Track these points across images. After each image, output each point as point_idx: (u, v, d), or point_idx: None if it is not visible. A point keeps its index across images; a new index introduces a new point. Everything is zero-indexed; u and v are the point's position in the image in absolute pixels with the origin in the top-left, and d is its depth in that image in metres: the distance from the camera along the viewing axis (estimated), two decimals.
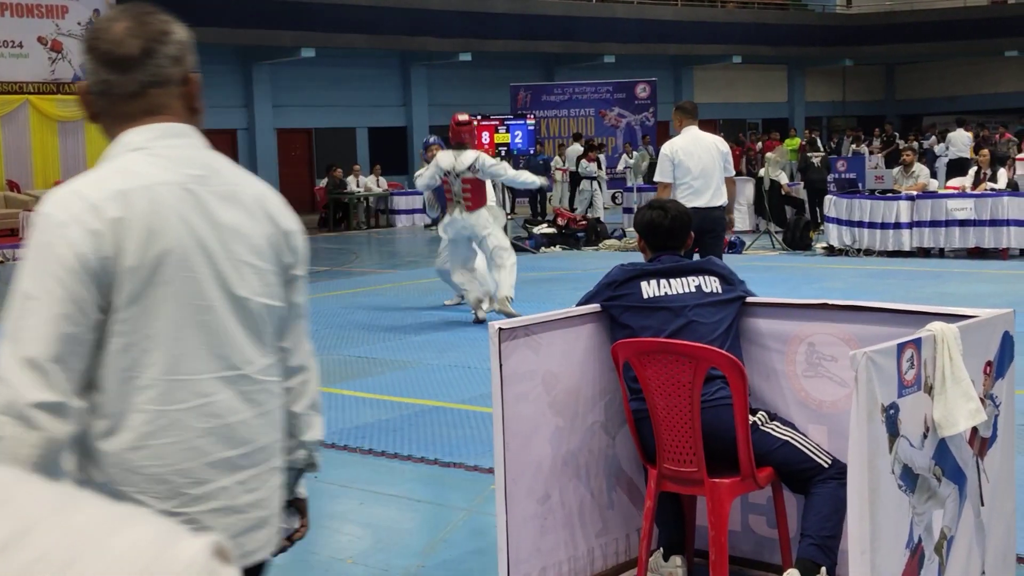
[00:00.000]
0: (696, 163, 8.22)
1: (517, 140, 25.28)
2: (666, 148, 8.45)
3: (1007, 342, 3.43)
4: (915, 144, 24.57)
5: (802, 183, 17.64)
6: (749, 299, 3.90)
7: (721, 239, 8.62)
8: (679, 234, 3.97)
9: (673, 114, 8.74)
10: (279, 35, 25.30)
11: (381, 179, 23.58)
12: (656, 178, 8.55)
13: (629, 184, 20.13)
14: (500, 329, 3.53)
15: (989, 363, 3.34)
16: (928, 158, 22.85)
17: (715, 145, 8.42)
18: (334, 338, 9.25)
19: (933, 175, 17.48)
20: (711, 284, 3.84)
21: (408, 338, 9.10)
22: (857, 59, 37.75)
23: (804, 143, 18.76)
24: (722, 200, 8.35)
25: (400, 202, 23.43)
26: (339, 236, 21.27)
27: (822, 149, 22.86)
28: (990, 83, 38.23)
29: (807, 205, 16.97)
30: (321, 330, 9.67)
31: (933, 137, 27.92)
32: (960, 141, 23.19)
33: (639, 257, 4.10)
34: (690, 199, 8.06)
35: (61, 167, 21.13)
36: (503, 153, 22.47)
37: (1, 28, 20.56)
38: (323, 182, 23.67)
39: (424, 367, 7.90)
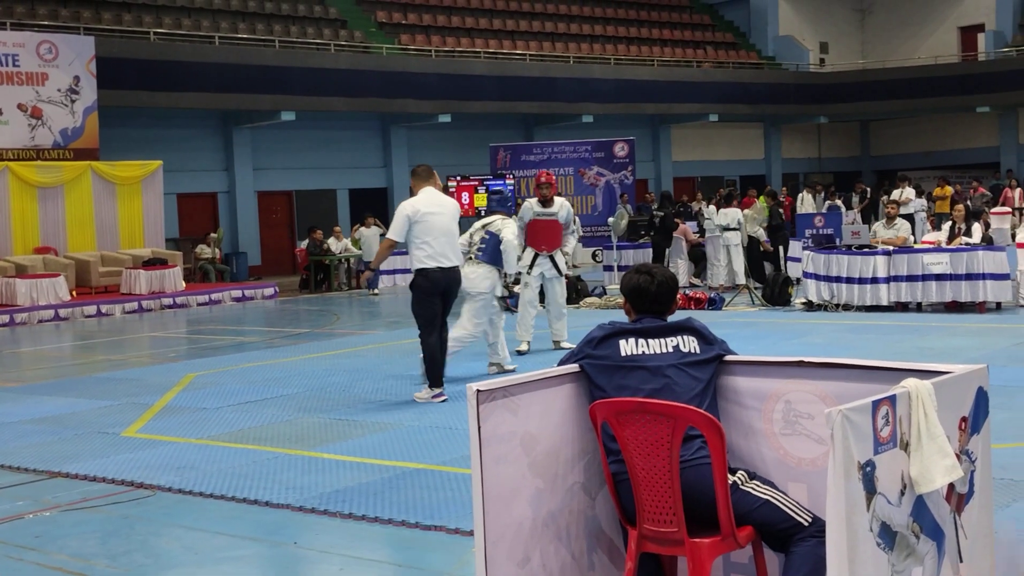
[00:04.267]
0: (438, 224, 8.68)
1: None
2: (406, 207, 8.80)
3: (981, 398, 3.45)
4: (902, 196, 24.96)
5: (769, 239, 17.65)
6: (727, 357, 3.91)
7: (454, 299, 9.12)
8: (664, 299, 3.98)
9: (411, 179, 9.17)
10: (259, 99, 25.48)
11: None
12: (389, 235, 8.93)
13: (610, 241, 20.26)
14: (478, 391, 3.53)
15: (964, 419, 3.36)
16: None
17: (455, 207, 8.98)
18: (313, 400, 9.21)
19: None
20: (689, 344, 3.86)
21: (388, 400, 9.07)
22: (832, 116, 38.25)
23: (767, 198, 18.89)
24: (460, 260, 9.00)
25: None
26: (320, 298, 21.25)
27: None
28: (963, 138, 38.76)
29: (782, 258, 17.06)
30: (300, 392, 9.63)
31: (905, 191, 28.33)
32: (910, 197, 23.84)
33: (620, 314, 4.12)
34: (428, 260, 8.60)
35: (40, 233, 21.09)
36: (481, 213, 22.54)
37: None
38: (304, 244, 23.69)
39: (404, 429, 7.86)
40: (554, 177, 12.11)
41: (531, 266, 11.46)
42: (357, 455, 7.06)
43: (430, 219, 8.66)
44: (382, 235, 21.61)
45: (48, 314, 18.40)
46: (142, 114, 24.82)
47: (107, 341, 15.52)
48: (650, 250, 19.20)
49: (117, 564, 5.11)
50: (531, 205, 11.64)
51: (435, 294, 8.73)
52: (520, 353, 11.20)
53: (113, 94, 22.69)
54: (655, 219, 18.85)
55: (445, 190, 25.46)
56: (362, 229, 21.94)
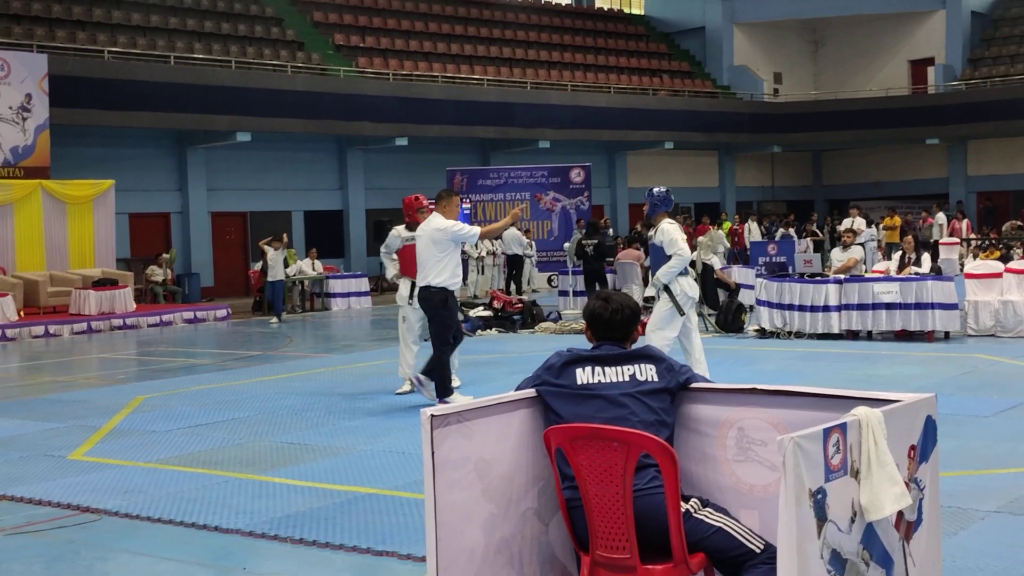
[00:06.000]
0: (419, 247, 9.56)
1: None
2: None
3: (930, 426, 3.49)
4: (853, 226, 25.44)
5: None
6: (691, 384, 3.91)
7: (436, 319, 9.35)
8: (621, 326, 3.99)
9: None
10: (214, 119, 25.32)
11: (317, 262, 23.50)
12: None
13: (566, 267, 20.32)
14: (432, 416, 3.51)
15: (913, 447, 3.40)
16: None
17: (433, 229, 9.39)
18: (265, 424, 9.12)
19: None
20: (647, 372, 3.86)
21: (341, 424, 9.01)
22: (785, 145, 38.72)
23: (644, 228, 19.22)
24: (435, 281, 9.31)
25: (336, 285, 23.33)
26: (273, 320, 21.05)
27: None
28: (913, 169, 39.37)
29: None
30: (252, 416, 9.54)
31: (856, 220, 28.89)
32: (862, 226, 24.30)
33: (575, 340, 4.14)
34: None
35: None
36: None
37: None
38: (258, 265, 23.50)
39: (357, 453, 7.81)
40: (427, 202, 10.94)
41: (410, 297, 10.30)
42: (308, 479, 7.00)
43: (416, 243, 9.74)
44: (285, 258, 21.07)
45: None
46: (95, 133, 24.57)
47: (55, 362, 15.29)
48: (609, 276, 19.25)
49: None
50: (399, 232, 10.78)
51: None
52: (400, 393, 10.42)
53: (66, 112, 22.45)
54: (585, 248, 18.88)
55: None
56: (268, 248, 20.57)
